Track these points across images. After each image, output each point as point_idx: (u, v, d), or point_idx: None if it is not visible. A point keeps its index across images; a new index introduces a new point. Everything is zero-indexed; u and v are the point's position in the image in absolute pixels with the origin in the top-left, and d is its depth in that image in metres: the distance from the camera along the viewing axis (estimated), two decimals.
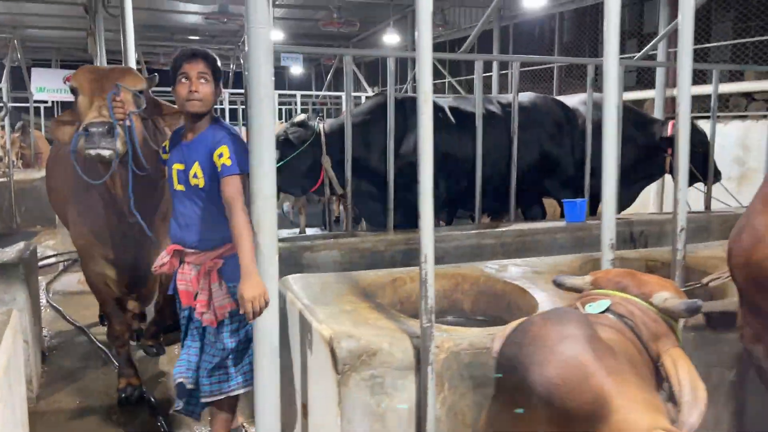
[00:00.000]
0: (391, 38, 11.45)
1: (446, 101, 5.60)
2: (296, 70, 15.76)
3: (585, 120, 5.70)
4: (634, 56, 8.30)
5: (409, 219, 5.16)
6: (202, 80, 2.55)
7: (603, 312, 1.95)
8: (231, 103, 11.21)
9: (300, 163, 4.99)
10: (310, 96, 13.63)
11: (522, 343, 1.48)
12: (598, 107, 6.00)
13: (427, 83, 2.23)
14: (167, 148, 2.79)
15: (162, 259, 2.68)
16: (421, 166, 2.25)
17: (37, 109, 12.71)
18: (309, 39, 14.26)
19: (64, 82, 10.58)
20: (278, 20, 12.22)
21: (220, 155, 2.50)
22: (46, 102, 12.97)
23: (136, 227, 3.18)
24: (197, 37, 14.97)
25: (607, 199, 2.65)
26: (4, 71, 11.75)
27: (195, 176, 2.58)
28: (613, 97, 2.64)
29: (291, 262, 3.91)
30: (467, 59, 10.71)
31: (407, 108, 5.15)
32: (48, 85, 11.10)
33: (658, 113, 7.67)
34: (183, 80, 2.55)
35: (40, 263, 6.45)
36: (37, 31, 14.52)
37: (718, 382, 2.84)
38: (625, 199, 6.32)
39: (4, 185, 9.46)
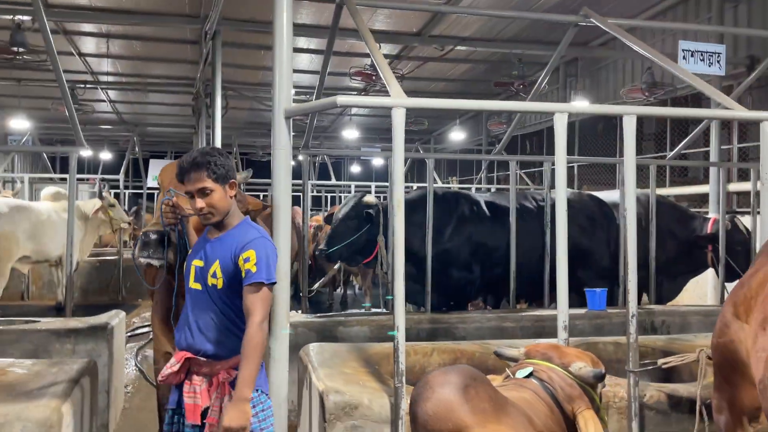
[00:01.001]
0: (456, 135, 12.29)
1: (483, 196, 6.20)
2: (377, 161, 16.97)
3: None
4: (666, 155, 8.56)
5: (443, 300, 5.70)
6: (204, 194, 2.41)
7: (527, 377, 2.42)
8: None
9: (360, 238, 5.66)
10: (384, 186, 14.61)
11: (418, 386, 2.00)
12: (639, 203, 6.45)
13: (399, 191, 2.83)
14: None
15: (171, 367, 2.41)
16: (395, 251, 2.84)
17: (150, 195, 14.42)
18: (383, 133, 15.45)
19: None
20: (355, 117, 13.50)
21: (246, 260, 2.33)
22: (159, 189, 14.67)
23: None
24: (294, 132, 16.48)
25: (561, 288, 3.10)
26: (124, 162, 13.49)
27: (214, 275, 2.40)
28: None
29: (327, 334, 4.51)
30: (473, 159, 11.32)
31: (446, 202, 5.80)
32: None
33: (713, 209, 7.82)
34: (189, 197, 2.46)
35: (138, 331, 7.41)
36: (154, 128, 16.64)
37: None
38: (668, 291, 6.51)
39: (113, 262, 10.75)
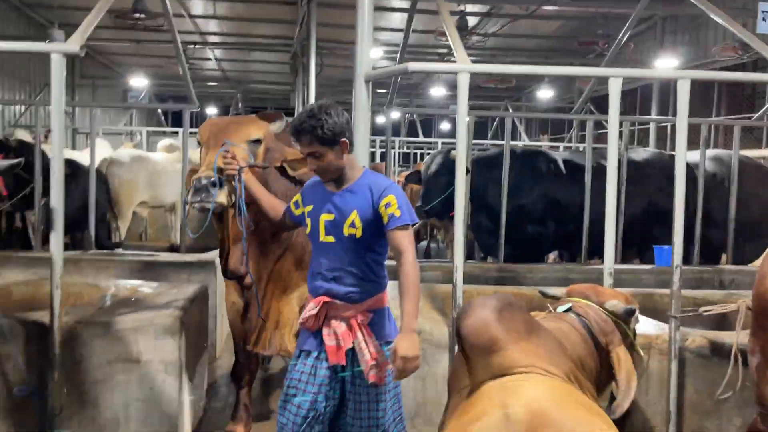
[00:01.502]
0: (544, 93, 12.24)
1: (562, 154, 6.38)
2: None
3: (709, 175, 6.16)
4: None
5: (519, 253, 6.01)
6: (315, 156, 2.45)
7: (566, 311, 2.78)
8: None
9: (451, 193, 6.02)
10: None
11: (464, 307, 2.42)
12: (723, 163, 6.44)
13: (462, 149, 3.20)
14: (301, 201, 2.66)
15: (310, 311, 2.49)
16: (456, 203, 3.23)
17: None
18: (471, 92, 15.51)
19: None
20: (443, 75, 13.68)
21: (388, 205, 2.39)
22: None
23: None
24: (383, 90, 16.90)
25: (609, 239, 3.39)
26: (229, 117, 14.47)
27: (352, 225, 2.43)
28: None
29: None
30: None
31: (524, 159, 6.06)
32: None
33: None
34: (305, 156, 2.51)
35: None
36: (255, 86, 17.58)
37: (721, 398, 3.37)
38: (752, 252, 6.49)
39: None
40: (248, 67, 16.24)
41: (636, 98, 13.47)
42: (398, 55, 5.77)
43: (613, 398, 2.64)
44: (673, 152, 7.09)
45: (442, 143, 11.86)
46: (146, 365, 3.13)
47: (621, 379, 2.46)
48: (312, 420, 2.47)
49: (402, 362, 2.27)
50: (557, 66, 10.52)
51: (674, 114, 10.63)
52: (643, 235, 6.17)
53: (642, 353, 2.92)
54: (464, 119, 3.15)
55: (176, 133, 14.68)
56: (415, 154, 14.92)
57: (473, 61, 3.24)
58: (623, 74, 3.15)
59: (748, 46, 7.11)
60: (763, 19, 4.48)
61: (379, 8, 8.75)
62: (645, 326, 3.56)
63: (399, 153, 12.83)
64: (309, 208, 2.57)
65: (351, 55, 11.89)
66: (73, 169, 5.72)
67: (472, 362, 2.30)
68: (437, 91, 13.74)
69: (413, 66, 3.10)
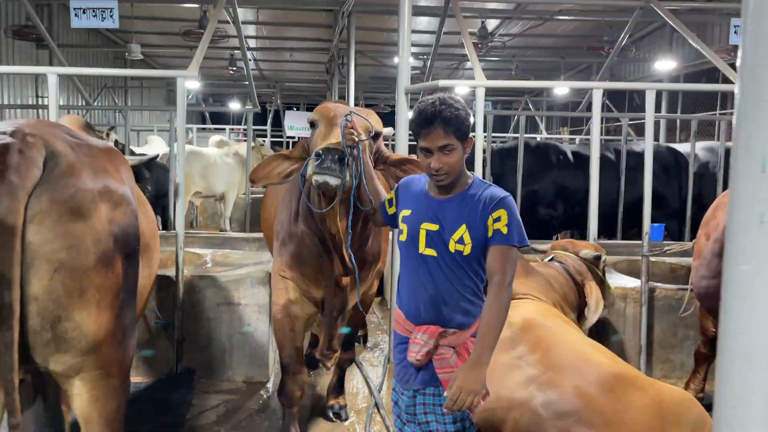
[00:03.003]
0: (560, 90, 13.17)
1: (571, 147, 7.37)
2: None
3: (700, 164, 7.10)
4: None
5: (532, 232, 7.01)
6: (446, 151, 2.08)
7: (551, 260, 3.79)
8: None
9: None
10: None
11: None
12: (714, 153, 7.35)
13: (478, 148, 4.21)
14: (396, 200, 2.35)
15: (426, 345, 2.14)
16: None
17: (287, 143, 16.52)
18: (494, 91, 16.47)
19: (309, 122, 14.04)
20: (467, 71, 14.59)
21: (497, 219, 2.07)
22: (294, 138, 16.80)
23: (337, 270, 2.91)
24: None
25: (592, 212, 4.37)
26: (270, 114, 15.61)
27: (461, 241, 2.10)
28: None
29: None
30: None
31: (537, 150, 7.07)
32: (296, 124, 14.58)
33: None
34: (425, 153, 2.12)
35: None
36: (292, 84, 18.71)
37: (683, 337, 4.36)
38: None
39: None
40: (284, 66, 17.37)
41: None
42: (429, 62, 6.78)
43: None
44: (669, 144, 8.03)
45: None
46: (245, 308, 4.21)
47: (591, 302, 3.46)
48: None
49: (457, 392, 1.96)
50: (574, 61, 11.33)
51: (671, 111, 11.54)
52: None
53: (611, 286, 3.89)
54: (480, 122, 4.16)
55: (220, 129, 15.97)
56: None
57: (495, 60, 4.21)
58: (601, 86, 4.12)
59: (737, 48, 7.98)
60: (735, 32, 5.39)
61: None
62: (624, 281, 4.55)
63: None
64: (406, 212, 2.24)
65: (380, 56, 12.86)
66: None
67: None
68: (461, 90, 14.74)
69: (443, 83, 4.11)
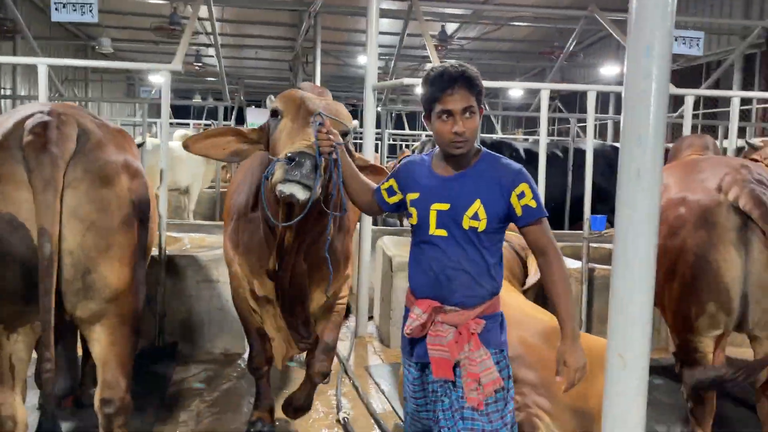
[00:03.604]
0: (515, 92, 13.82)
1: (523, 144, 7.91)
2: None
3: None
4: None
5: None
6: (469, 114, 2.00)
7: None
8: None
9: None
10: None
11: None
12: None
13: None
14: (396, 187, 2.24)
15: (418, 318, 2.09)
16: None
17: None
18: None
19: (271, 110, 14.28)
20: None
21: (521, 195, 2.01)
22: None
23: (298, 270, 2.67)
24: None
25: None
26: (234, 111, 15.77)
27: (475, 217, 2.03)
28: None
29: (397, 234, 6.45)
30: None
31: (491, 148, 7.58)
32: (258, 121, 14.74)
33: None
34: (444, 117, 2.00)
35: None
36: (254, 80, 18.92)
37: None
38: None
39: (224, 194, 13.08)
40: (248, 63, 17.60)
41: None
42: (393, 62, 7.22)
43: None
44: (614, 143, 8.66)
45: (426, 135, 13.30)
46: (223, 285, 4.54)
47: (531, 272, 3.94)
48: None
49: (575, 375, 1.97)
50: (528, 65, 11.99)
51: (619, 113, 12.23)
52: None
53: None
54: None
55: (183, 124, 16.07)
56: (401, 145, 16.39)
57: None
58: (548, 87, 4.62)
59: (679, 56, 8.78)
60: (678, 44, 5.96)
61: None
62: (568, 263, 5.04)
63: (387, 145, 14.30)
64: (414, 195, 2.14)
65: (343, 55, 13.26)
66: None
67: None
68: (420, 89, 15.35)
69: (407, 81, 4.54)
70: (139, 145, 4.59)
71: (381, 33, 12.38)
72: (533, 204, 2.02)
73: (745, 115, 10.22)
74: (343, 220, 2.88)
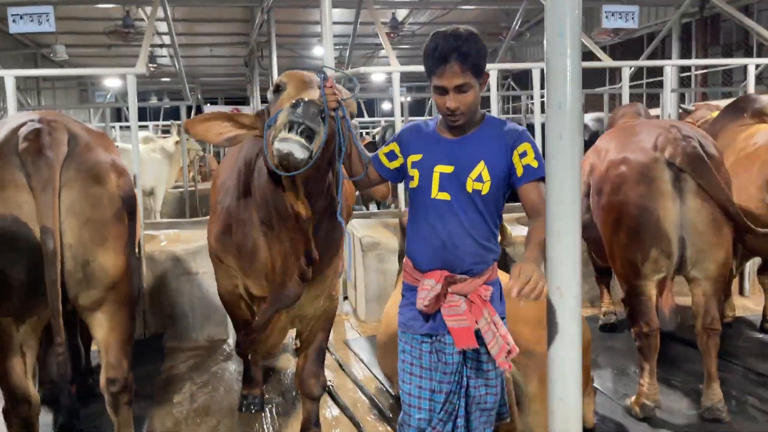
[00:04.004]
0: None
1: None
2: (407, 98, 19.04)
3: (591, 133, 8.15)
4: None
5: None
6: (461, 91, 1.96)
7: None
8: None
9: None
10: None
11: (401, 216, 4.19)
12: (602, 122, 8.42)
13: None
14: (398, 150, 2.17)
15: (433, 290, 2.03)
16: None
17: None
18: (407, 76, 17.37)
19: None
20: (383, 59, 15.38)
21: (523, 154, 1.99)
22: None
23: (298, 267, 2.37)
24: None
25: None
26: (192, 110, 15.80)
27: (479, 179, 2.00)
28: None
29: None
30: None
31: None
32: None
33: None
34: (439, 92, 1.99)
35: None
36: (210, 78, 18.91)
37: None
38: None
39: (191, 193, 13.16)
40: (202, 61, 17.54)
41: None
42: (348, 51, 7.45)
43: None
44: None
45: (384, 121, 13.58)
46: (202, 276, 4.76)
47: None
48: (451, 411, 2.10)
49: (524, 279, 1.76)
50: None
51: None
52: None
53: (509, 230, 4.67)
54: (398, 109, 4.88)
55: (143, 127, 15.99)
56: (361, 133, 16.64)
57: (407, 48, 4.87)
58: (495, 67, 4.92)
59: (618, 30, 9.19)
60: (606, 17, 6.34)
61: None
62: (523, 230, 5.40)
63: None
64: (416, 157, 2.09)
65: (298, 47, 13.41)
66: None
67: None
68: (378, 77, 15.53)
69: (363, 69, 4.79)
70: None
71: (334, 23, 12.65)
72: (535, 164, 1.99)
73: (685, 82, 10.77)
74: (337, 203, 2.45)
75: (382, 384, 3.79)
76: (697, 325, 3.26)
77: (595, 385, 3.45)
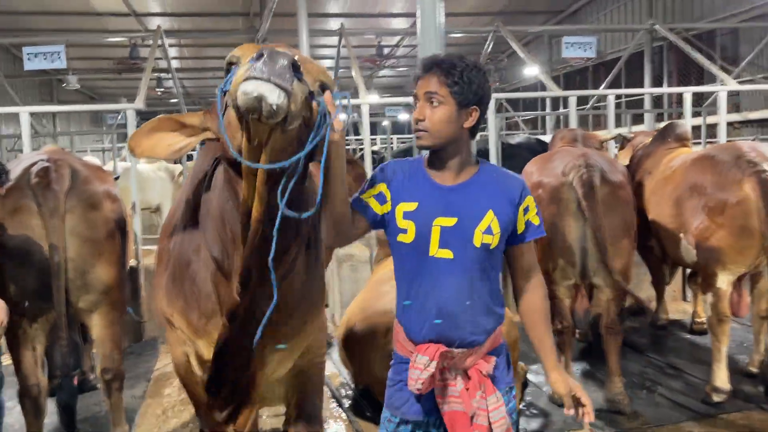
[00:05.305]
0: None
1: None
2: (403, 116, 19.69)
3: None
4: None
5: None
6: (432, 102, 1.71)
7: None
8: None
9: None
10: None
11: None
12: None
13: (367, 150, 5.56)
14: (387, 192, 1.79)
15: (427, 369, 1.74)
16: None
17: None
18: (401, 91, 18.11)
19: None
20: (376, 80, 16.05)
21: (527, 209, 1.80)
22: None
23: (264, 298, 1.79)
24: None
25: None
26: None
27: (488, 231, 1.75)
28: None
29: None
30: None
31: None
32: None
33: None
34: (414, 103, 1.77)
35: None
36: (215, 99, 19.72)
37: None
38: None
39: None
40: (209, 83, 18.37)
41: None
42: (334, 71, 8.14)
43: None
44: (539, 137, 9.66)
45: (381, 139, 14.22)
46: None
47: None
48: None
49: (588, 403, 1.76)
50: None
51: (542, 109, 13.41)
52: None
53: None
54: (368, 135, 5.48)
55: None
56: (353, 149, 17.40)
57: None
58: None
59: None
60: (566, 47, 6.95)
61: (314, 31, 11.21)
62: None
63: None
64: (410, 206, 1.78)
65: None
66: None
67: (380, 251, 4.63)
68: (372, 98, 16.40)
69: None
70: (116, 178, 5.44)
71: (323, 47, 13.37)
72: (536, 221, 1.83)
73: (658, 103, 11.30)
74: (319, 246, 2.14)
75: (344, 379, 4.37)
76: (601, 326, 3.80)
77: (528, 376, 3.99)
